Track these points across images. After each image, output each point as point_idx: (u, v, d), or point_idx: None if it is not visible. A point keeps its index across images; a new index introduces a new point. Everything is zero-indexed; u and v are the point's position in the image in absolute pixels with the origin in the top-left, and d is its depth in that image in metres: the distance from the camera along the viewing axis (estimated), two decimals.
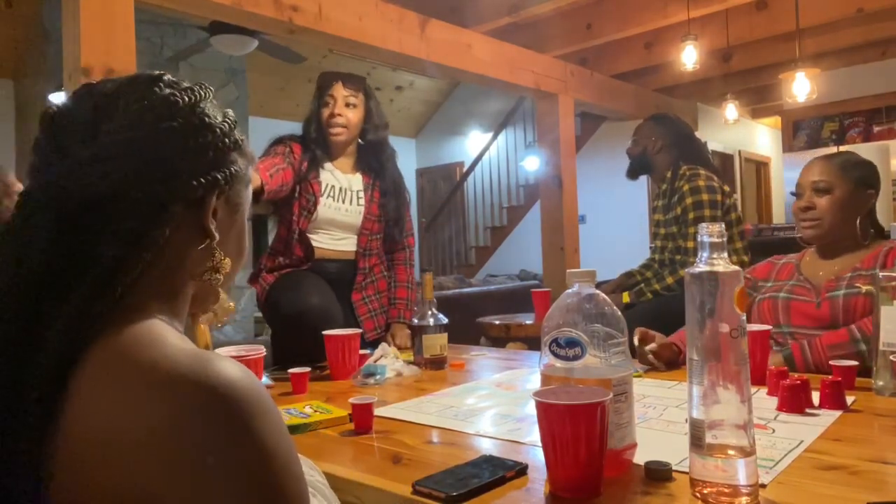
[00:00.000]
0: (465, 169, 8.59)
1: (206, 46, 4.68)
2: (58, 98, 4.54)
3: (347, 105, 2.09)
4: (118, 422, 0.49)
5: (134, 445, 0.48)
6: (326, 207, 2.10)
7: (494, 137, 8.04)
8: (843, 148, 5.44)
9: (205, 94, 0.68)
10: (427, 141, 9.41)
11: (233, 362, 0.53)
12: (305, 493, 0.53)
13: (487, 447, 1.01)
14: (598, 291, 0.92)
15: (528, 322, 3.14)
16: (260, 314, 3.93)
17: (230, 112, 0.71)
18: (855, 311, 1.47)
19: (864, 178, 1.64)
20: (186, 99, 0.65)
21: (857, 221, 1.62)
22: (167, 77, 0.67)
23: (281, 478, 0.51)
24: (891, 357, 1.20)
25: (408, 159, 9.17)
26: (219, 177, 0.65)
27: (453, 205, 8.55)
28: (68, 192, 0.58)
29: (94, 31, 2.23)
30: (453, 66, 3.59)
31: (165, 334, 0.56)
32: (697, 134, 3.08)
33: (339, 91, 2.09)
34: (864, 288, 1.49)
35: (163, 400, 0.49)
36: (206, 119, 0.65)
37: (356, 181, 2.16)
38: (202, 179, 0.63)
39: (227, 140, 0.67)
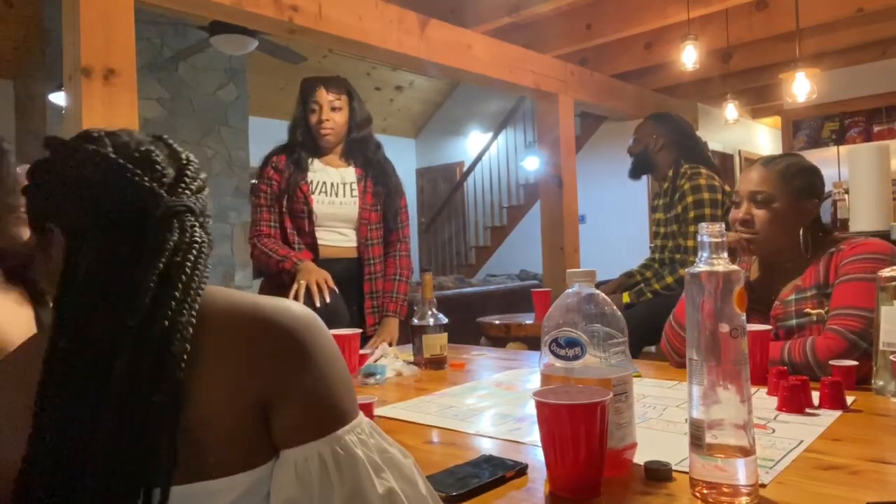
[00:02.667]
0: (465, 169, 8.59)
1: (206, 46, 4.68)
2: (59, 98, 4.54)
3: (333, 109, 2.18)
4: (216, 350, 0.64)
5: (237, 362, 0.64)
6: (321, 204, 2.17)
7: (494, 137, 8.04)
8: (842, 148, 5.43)
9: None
10: (427, 141, 9.41)
11: (290, 301, 0.71)
12: (355, 395, 0.69)
13: (487, 447, 1.01)
14: (597, 291, 0.92)
15: (528, 322, 3.14)
16: None
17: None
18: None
19: (807, 186, 1.53)
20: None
21: (801, 233, 1.52)
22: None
23: (339, 380, 0.68)
24: (891, 357, 1.20)
25: (408, 159, 9.18)
26: None
27: (453, 205, 8.55)
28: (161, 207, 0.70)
29: (94, 31, 2.23)
30: (453, 65, 3.59)
31: (232, 291, 0.72)
32: (698, 134, 3.08)
33: (323, 96, 2.18)
34: (814, 313, 1.44)
35: (253, 330, 0.66)
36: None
37: (349, 174, 2.23)
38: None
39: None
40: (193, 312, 0.64)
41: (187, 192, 0.70)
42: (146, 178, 0.67)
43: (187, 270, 0.65)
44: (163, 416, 0.59)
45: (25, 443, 0.60)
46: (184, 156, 0.74)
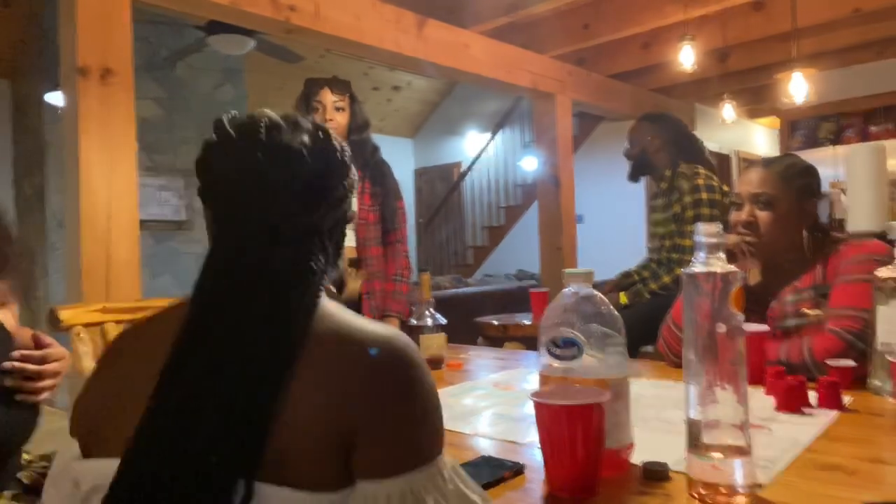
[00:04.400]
0: (462, 169, 8.60)
1: (203, 46, 4.67)
2: (56, 98, 4.53)
3: (336, 109, 2.21)
4: (311, 377, 0.63)
5: (327, 394, 0.63)
6: None
7: (492, 137, 8.05)
8: (839, 149, 5.44)
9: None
10: (425, 141, 9.41)
11: (388, 327, 0.70)
12: (442, 422, 0.69)
13: (485, 447, 1.01)
14: (595, 291, 0.92)
15: (525, 322, 3.14)
16: None
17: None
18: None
19: (807, 186, 1.53)
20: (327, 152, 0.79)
21: (804, 234, 1.52)
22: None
23: (436, 413, 0.67)
24: (887, 357, 1.21)
25: (405, 159, 9.17)
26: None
27: (451, 205, 8.55)
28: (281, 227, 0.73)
29: (90, 30, 2.23)
30: (451, 65, 3.59)
31: (340, 310, 0.72)
32: (695, 133, 3.08)
33: (328, 97, 2.21)
34: (812, 314, 1.44)
35: (350, 358, 0.65)
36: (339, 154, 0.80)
37: None
38: (343, 201, 0.80)
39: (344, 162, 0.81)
40: (309, 324, 0.67)
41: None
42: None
43: (311, 282, 0.70)
44: (262, 416, 0.62)
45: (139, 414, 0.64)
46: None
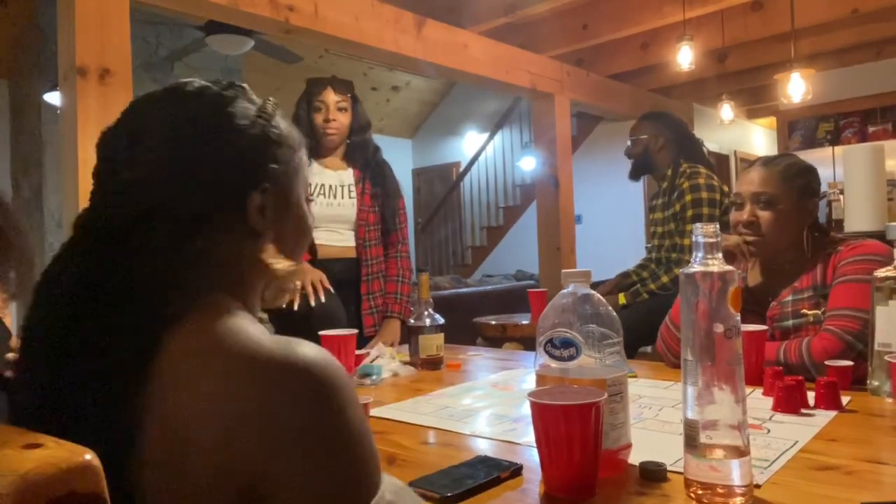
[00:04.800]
0: (461, 169, 8.60)
1: (202, 46, 4.67)
2: (54, 98, 4.53)
3: (339, 109, 2.21)
4: (212, 408, 0.54)
5: (230, 428, 0.53)
6: (319, 206, 2.20)
7: (491, 137, 8.04)
8: (837, 149, 5.45)
9: (234, 94, 0.71)
10: (423, 141, 9.41)
11: (311, 345, 0.58)
12: (377, 455, 0.59)
13: (483, 448, 1.01)
14: (593, 292, 0.92)
15: (524, 322, 3.14)
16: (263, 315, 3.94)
17: (268, 103, 0.74)
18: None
19: (807, 185, 1.53)
20: (213, 107, 0.68)
21: (804, 233, 1.52)
22: (197, 84, 0.71)
23: (360, 449, 0.57)
24: (886, 357, 1.21)
25: (404, 159, 9.17)
26: (254, 179, 0.68)
27: (450, 205, 8.55)
28: (106, 216, 0.64)
29: (89, 30, 2.22)
30: (450, 66, 3.59)
31: (245, 325, 0.60)
32: (694, 133, 3.08)
33: (330, 96, 2.21)
34: (811, 314, 1.44)
35: (253, 384, 0.54)
36: (237, 123, 0.68)
37: (347, 175, 2.26)
38: (236, 185, 0.67)
39: (259, 139, 0.70)
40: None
41: None
42: None
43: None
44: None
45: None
46: None
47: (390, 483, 0.59)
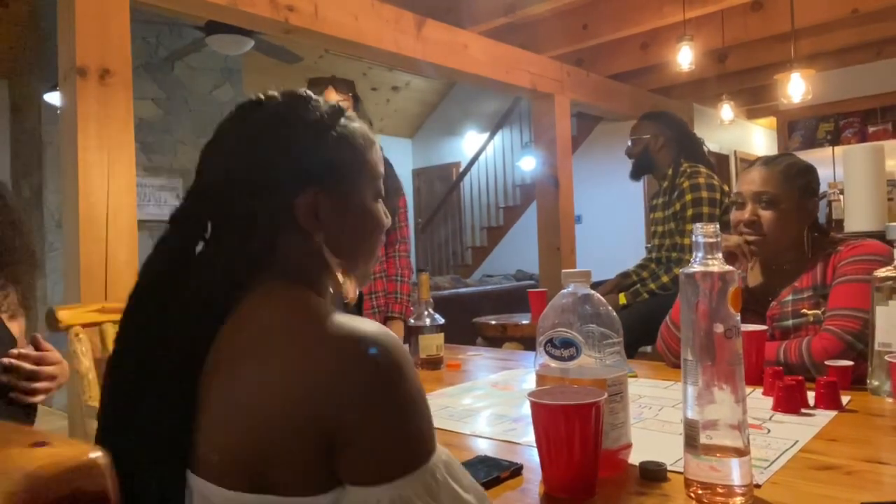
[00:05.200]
0: (461, 169, 8.59)
1: (201, 46, 4.67)
2: (54, 98, 4.53)
3: None
4: (293, 375, 0.62)
5: (310, 390, 0.61)
6: None
7: (491, 137, 8.04)
8: (837, 149, 5.45)
9: (293, 102, 0.77)
10: (423, 141, 9.41)
11: (374, 323, 0.66)
12: (432, 422, 0.65)
13: (483, 447, 1.01)
14: (593, 292, 0.92)
15: (524, 322, 3.14)
16: None
17: (332, 106, 0.78)
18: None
19: (808, 185, 1.53)
20: (266, 120, 0.76)
21: (804, 233, 1.52)
22: (260, 97, 0.78)
23: (419, 417, 0.63)
24: (886, 357, 1.21)
25: (404, 159, 9.17)
26: (302, 181, 0.73)
27: (450, 205, 8.55)
28: (185, 214, 0.75)
29: (89, 30, 2.22)
30: (450, 66, 3.59)
31: (319, 306, 0.68)
32: (694, 132, 3.08)
33: (332, 96, 2.21)
34: (811, 314, 1.44)
35: (329, 356, 0.62)
36: (284, 131, 0.74)
37: None
38: (285, 190, 0.73)
39: (311, 143, 0.74)
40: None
41: None
42: None
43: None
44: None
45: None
46: None
47: (443, 450, 0.65)
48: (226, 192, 0.73)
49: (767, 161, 1.57)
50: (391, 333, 0.65)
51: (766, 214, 1.51)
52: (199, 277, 0.71)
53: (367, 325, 0.65)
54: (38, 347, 1.28)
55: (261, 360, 0.64)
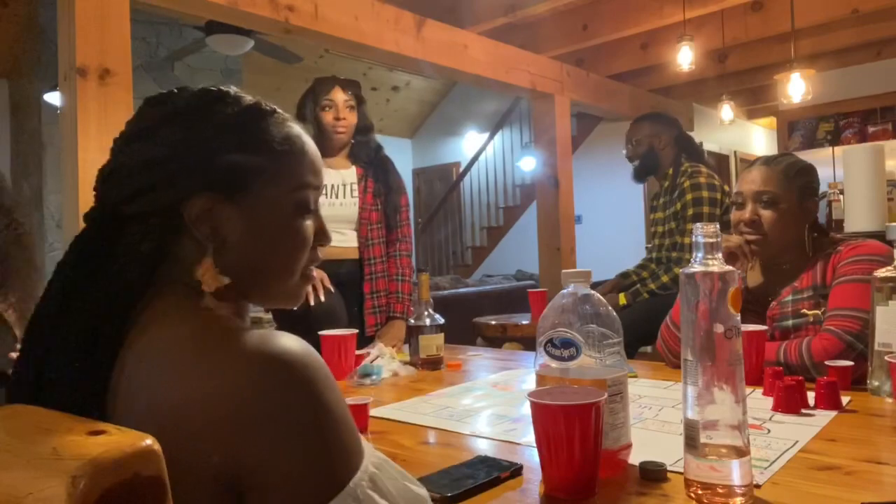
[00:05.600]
0: (461, 169, 8.60)
1: (201, 46, 4.67)
2: (54, 98, 4.53)
3: (348, 108, 2.23)
4: (186, 401, 0.56)
5: (208, 422, 0.54)
6: (322, 206, 2.14)
7: (491, 138, 8.05)
8: (837, 149, 5.45)
9: (208, 97, 0.70)
10: (423, 141, 9.41)
11: (286, 335, 0.59)
12: (360, 446, 0.60)
13: (483, 448, 1.01)
14: (593, 292, 0.92)
15: (524, 322, 3.14)
16: (259, 314, 3.94)
17: (261, 102, 0.72)
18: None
19: (808, 185, 1.53)
20: (170, 108, 0.70)
21: (805, 233, 1.52)
22: (190, 91, 0.71)
23: (341, 432, 0.58)
24: (886, 357, 1.21)
25: (404, 159, 9.17)
26: (192, 184, 0.67)
27: (449, 205, 8.55)
28: (101, 205, 0.71)
29: (89, 30, 2.22)
30: (449, 66, 3.59)
31: (217, 318, 0.64)
32: (693, 134, 3.09)
33: (340, 95, 2.22)
34: (811, 314, 1.44)
35: (231, 376, 0.56)
36: (180, 126, 0.68)
37: (349, 174, 2.26)
38: (171, 192, 0.67)
39: (217, 138, 0.68)
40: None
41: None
42: None
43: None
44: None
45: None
46: None
47: (373, 455, 0.60)
48: (115, 191, 0.68)
49: (768, 160, 1.57)
50: (303, 345, 0.59)
51: (766, 214, 1.50)
52: (98, 277, 0.65)
53: (275, 339, 0.58)
54: None
55: (159, 381, 0.58)
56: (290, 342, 0.58)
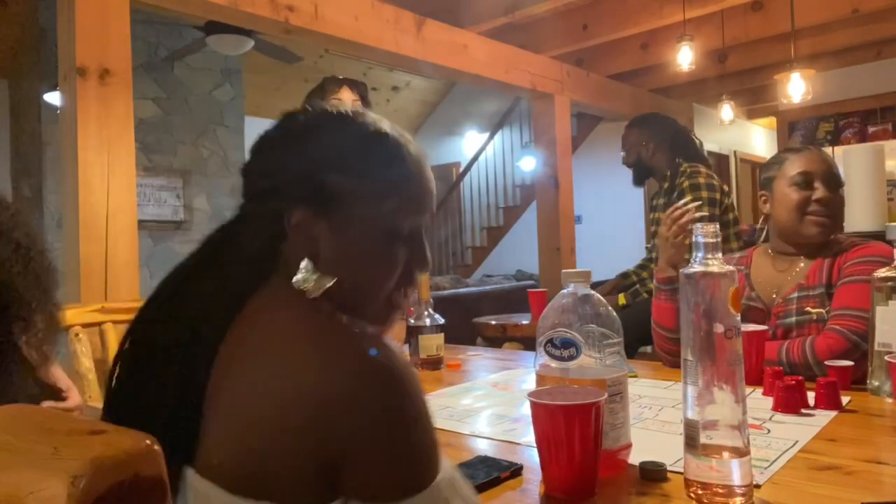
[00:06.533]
0: (461, 169, 8.59)
1: (201, 46, 4.67)
2: (54, 98, 4.53)
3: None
4: (295, 392, 0.60)
5: (313, 411, 0.59)
6: None
7: (491, 138, 8.04)
8: (837, 149, 5.45)
9: (332, 116, 0.74)
10: (423, 141, 9.34)
11: (394, 343, 0.64)
12: (438, 441, 0.64)
13: (483, 448, 1.01)
14: (593, 292, 0.92)
15: (524, 322, 3.14)
16: None
17: (393, 128, 0.74)
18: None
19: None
20: (298, 122, 0.75)
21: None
22: (294, 110, 0.77)
23: (425, 436, 0.62)
24: (886, 357, 1.21)
25: None
26: (291, 196, 0.71)
27: (450, 205, 8.54)
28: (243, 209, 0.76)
29: (89, 30, 2.22)
30: (449, 66, 3.59)
31: (328, 320, 0.67)
32: (690, 130, 3.08)
33: (348, 95, 2.24)
34: (815, 312, 1.43)
35: (347, 368, 0.60)
36: (306, 136, 0.73)
37: None
38: (276, 202, 0.71)
39: (327, 155, 0.72)
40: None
41: None
42: None
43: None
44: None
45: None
46: None
47: (448, 466, 0.64)
48: (242, 191, 0.75)
49: (814, 148, 1.55)
50: (402, 355, 0.64)
51: (835, 197, 1.46)
52: (212, 271, 0.72)
53: (373, 343, 0.62)
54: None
55: (266, 367, 0.63)
56: (395, 349, 0.63)
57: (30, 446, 0.50)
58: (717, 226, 0.82)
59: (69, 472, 0.44)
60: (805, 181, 1.49)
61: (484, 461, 0.91)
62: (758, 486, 0.79)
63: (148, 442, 0.48)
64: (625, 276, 2.93)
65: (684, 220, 1.51)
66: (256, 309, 0.68)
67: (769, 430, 1.02)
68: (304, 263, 0.69)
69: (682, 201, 1.57)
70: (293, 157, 0.73)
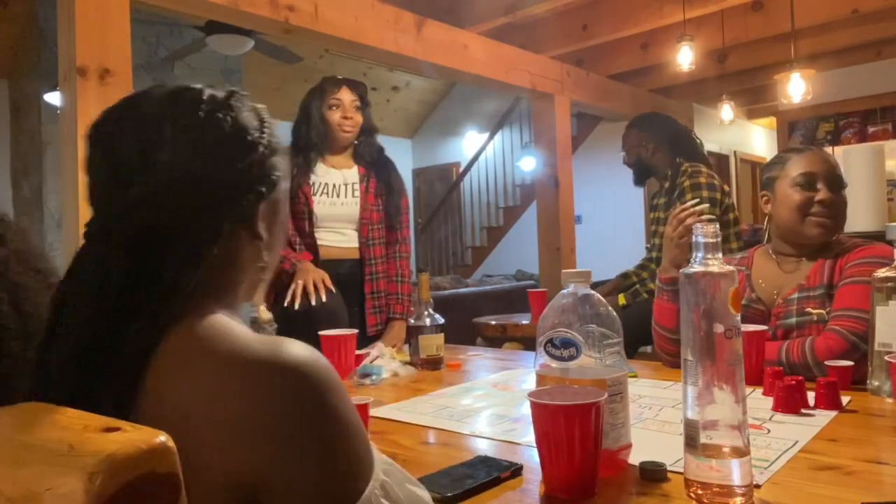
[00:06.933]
0: (461, 169, 8.60)
1: (201, 46, 4.67)
2: (54, 98, 4.53)
3: (355, 108, 2.24)
4: (202, 409, 0.55)
5: (222, 430, 0.54)
6: (322, 205, 2.19)
7: (491, 138, 8.05)
8: (837, 149, 5.45)
9: (240, 104, 0.71)
10: (423, 141, 9.41)
11: (300, 344, 0.58)
12: (372, 454, 0.59)
13: (483, 448, 1.01)
14: (593, 292, 0.92)
15: (524, 322, 3.14)
16: (257, 314, 3.95)
17: (262, 111, 0.74)
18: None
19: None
20: (229, 120, 0.68)
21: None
22: (207, 93, 0.70)
23: (354, 442, 0.57)
24: (886, 357, 1.21)
25: (404, 159, 9.17)
26: (263, 189, 0.70)
27: (450, 205, 8.55)
28: (129, 225, 0.64)
29: (89, 30, 2.22)
30: (449, 66, 3.59)
31: (232, 326, 0.61)
32: (691, 130, 3.08)
33: (347, 95, 2.23)
34: (815, 313, 1.43)
35: (244, 385, 0.55)
36: (249, 137, 0.69)
37: (351, 174, 2.26)
38: (250, 196, 0.68)
39: (266, 150, 0.71)
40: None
41: None
42: None
43: None
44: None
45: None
46: None
47: (380, 460, 0.60)
48: (180, 203, 0.67)
49: (817, 148, 1.54)
50: (315, 354, 0.58)
51: (837, 198, 1.45)
52: (148, 289, 0.63)
53: (287, 347, 0.57)
54: None
55: (165, 389, 0.57)
56: (300, 350, 0.57)
57: (45, 444, 0.50)
58: (718, 226, 0.82)
59: (85, 469, 0.45)
60: (807, 182, 1.48)
61: (484, 461, 0.91)
62: (758, 486, 0.79)
63: (162, 439, 0.49)
64: (625, 276, 2.93)
65: (691, 220, 1.50)
66: (182, 329, 0.61)
67: (769, 430, 1.02)
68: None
69: (689, 203, 1.56)
70: (241, 157, 0.70)
